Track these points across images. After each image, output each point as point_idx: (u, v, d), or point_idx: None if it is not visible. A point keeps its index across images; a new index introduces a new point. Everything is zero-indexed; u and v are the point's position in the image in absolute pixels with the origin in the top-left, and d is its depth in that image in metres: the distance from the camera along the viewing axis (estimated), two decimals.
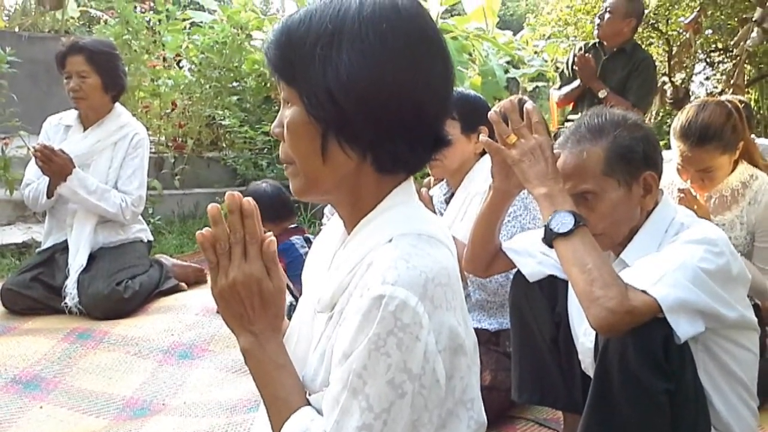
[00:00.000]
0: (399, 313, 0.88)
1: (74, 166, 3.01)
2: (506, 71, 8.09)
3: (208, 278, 3.42)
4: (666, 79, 6.82)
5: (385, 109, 0.94)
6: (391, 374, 0.88)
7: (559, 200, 1.48)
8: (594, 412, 1.40)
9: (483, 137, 1.61)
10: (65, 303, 2.97)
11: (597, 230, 1.50)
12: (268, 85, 5.22)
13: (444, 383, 0.93)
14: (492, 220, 1.75)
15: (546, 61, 8.76)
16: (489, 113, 1.58)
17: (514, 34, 10.14)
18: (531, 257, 1.74)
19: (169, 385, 2.44)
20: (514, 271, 1.82)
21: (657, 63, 7.22)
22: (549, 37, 7.85)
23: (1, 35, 5.70)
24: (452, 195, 2.36)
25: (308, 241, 2.91)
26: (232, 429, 2.04)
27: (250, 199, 1.01)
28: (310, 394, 1.01)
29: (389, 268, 0.91)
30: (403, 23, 0.95)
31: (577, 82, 4.15)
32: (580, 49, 4.27)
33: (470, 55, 7.88)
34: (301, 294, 2.69)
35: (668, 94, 6.76)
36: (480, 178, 2.23)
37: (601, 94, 3.97)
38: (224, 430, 2.04)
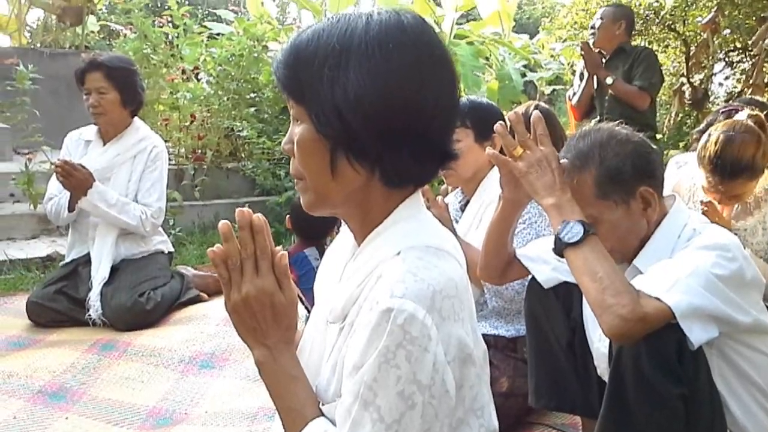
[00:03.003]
0: (407, 326, 0.90)
1: (94, 180, 3.06)
2: (523, 75, 8.09)
3: None
4: (684, 80, 6.77)
5: (392, 125, 0.96)
6: (401, 386, 0.90)
7: (567, 210, 1.49)
8: (609, 417, 1.41)
9: (489, 150, 1.63)
10: (89, 315, 3.02)
11: (605, 248, 1.50)
12: None
13: (453, 393, 0.94)
14: (504, 230, 1.76)
15: (563, 64, 8.74)
16: (495, 125, 1.59)
17: (531, 38, 10.14)
18: (545, 264, 1.75)
19: (191, 395, 2.47)
20: (529, 277, 1.83)
21: (675, 64, 7.21)
22: (565, 40, 7.83)
23: (24, 52, 5.81)
24: (467, 203, 2.37)
25: (323, 253, 2.93)
26: None
27: (259, 215, 1.03)
28: (323, 404, 1.03)
29: (397, 281, 0.93)
30: (409, 41, 0.97)
31: (586, 78, 4.22)
32: (585, 42, 4.32)
33: (487, 59, 7.89)
34: (313, 306, 2.70)
35: (687, 95, 6.72)
36: (494, 186, 2.23)
37: (608, 80, 4.04)
38: None
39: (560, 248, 1.47)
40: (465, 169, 2.28)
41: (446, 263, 0.99)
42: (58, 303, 3.06)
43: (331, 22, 0.98)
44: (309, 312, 2.74)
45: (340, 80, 0.94)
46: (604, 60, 4.20)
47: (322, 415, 1.02)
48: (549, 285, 1.76)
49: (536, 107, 2.86)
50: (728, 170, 2.19)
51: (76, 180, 3.03)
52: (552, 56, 9.02)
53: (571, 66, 8.02)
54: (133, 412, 2.35)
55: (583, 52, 4.17)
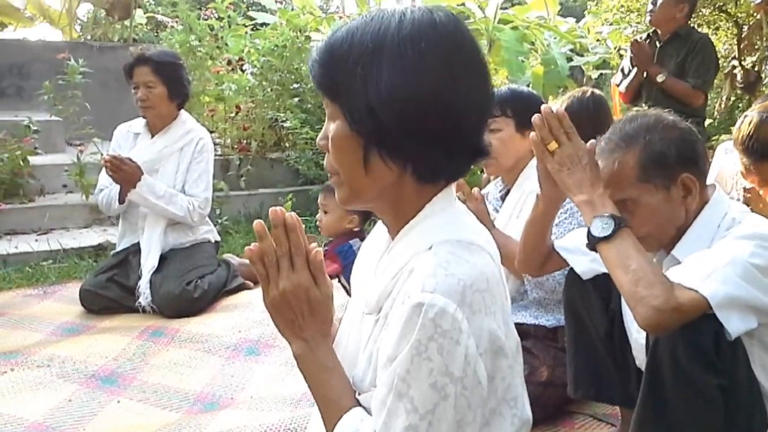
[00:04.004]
0: (438, 320, 0.92)
1: (142, 173, 3.15)
2: (569, 60, 7.96)
3: None
4: (736, 63, 6.59)
5: (424, 123, 0.98)
6: (433, 378, 0.92)
7: (599, 205, 1.49)
8: (646, 408, 1.41)
9: (532, 134, 1.62)
10: (139, 302, 3.12)
11: (641, 234, 1.50)
12: None
13: (486, 384, 0.96)
14: (543, 225, 1.76)
15: (610, 48, 8.58)
16: (533, 117, 1.59)
17: (577, 22, 9.96)
18: (584, 255, 1.75)
19: (237, 380, 2.54)
20: (569, 268, 1.83)
21: (726, 46, 7.01)
22: (612, 24, 7.67)
23: (75, 46, 5.98)
24: (507, 192, 2.36)
25: None
26: (296, 422, 2.12)
27: (292, 213, 1.07)
28: (359, 394, 1.06)
29: (428, 276, 0.95)
30: (441, 39, 0.99)
31: (635, 71, 4.10)
32: (636, 41, 4.20)
33: (532, 44, 7.79)
34: None
35: (738, 78, 6.53)
36: (535, 175, 2.23)
37: (660, 78, 3.90)
38: (289, 423, 2.12)
39: (593, 243, 1.48)
40: (506, 159, 2.27)
41: (478, 257, 1.00)
42: (110, 291, 3.17)
43: (365, 21, 1.00)
44: None
45: (373, 78, 0.96)
46: (658, 44, 4.07)
47: (359, 404, 1.05)
48: (587, 276, 1.76)
49: (591, 94, 2.83)
50: (759, 151, 2.14)
51: (125, 174, 3.12)
52: (598, 40, 8.85)
53: (618, 50, 7.86)
54: (181, 397, 2.43)
55: (632, 50, 4.04)
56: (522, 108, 2.23)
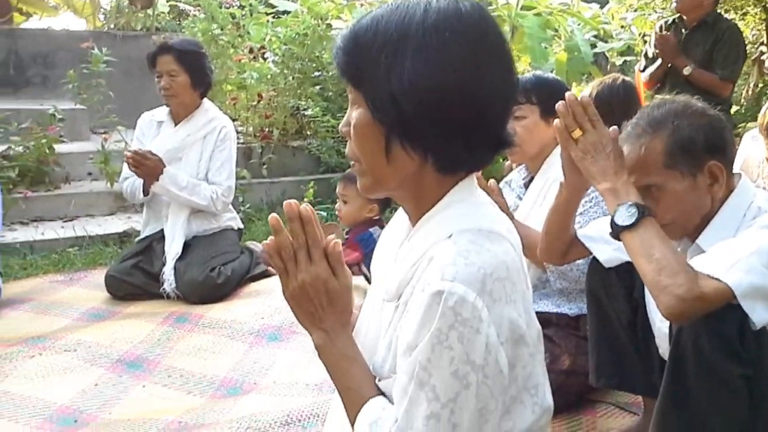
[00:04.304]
0: (458, 308, 0.92)
1: (164, 166, 3.17)
2: (593, 46, 7.87)
3: None
4: (764, 48, 6.48)
5: (446, 114, 0.98)
6: (454, 366, 0.93)
7: (622, 193, 1.48)
8: (668, 398, 1.40)
9: (556, 121, 1.61)
10: (163, 289, 3.16)
11: (665, 221, 1.48)
12: None
13: (507, 372, 0.97)
14: (567, 213, 1.75)
15: (634, 35, 8.47)
16: (557, 104, 1.58)
17: (601, 8, 9.83)
18: (606, 243, 1.73)
19: (260, 366, 2.57)
20: (591, 256, 1.82)
21: (754, 31, 6.89)
22: (636, 10, 7.57)
23: (98, 35, 6.03)
24: (531, 179, 2.35)
25: None
26: (318, 408, 2.14)
27: (307, 205, 1.07)
28: (379, 380, 1.07)
29: (448, 264, 0.95)
30: (466, 29, 0.98)
31: (659, 61, 4.03)
32: (660, 27, 4.14)
33: (555, 31, 7.71)
34: None
35: (766, 64, 6.43)
36: (559, 164, 2.21)
37: (686, 71, 3.83)
38: (311, 408, 2.15)
39: (616, 232, 1.47)
40: (530, 146, 2.24)
41: (498, 246, 1.00)
42: (135, 277, 3.21)
43: (391, 9, 1.00)
44: None
45: (397, 67, 0.97)
46: (684, 30, 4.00)
47: (380, 393, 1.06)
48: (610, 265, 1.75)
49: (622, 81, 2.80)
50: None
51: (147, 168, 3.15)
52: (623, 26, 8.74)
53: (643, 36, 7.76)
54: (205, 382, 2.46)
55: (657, 43, 3.96)
56: (547, 95, 2.21)
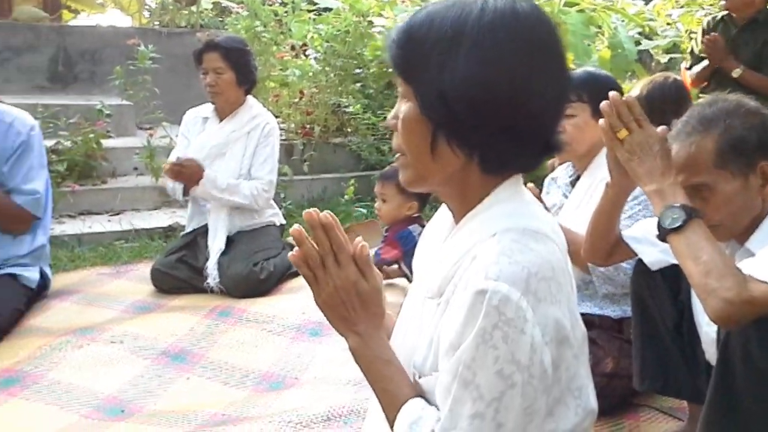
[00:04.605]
0: (502, 308, 0.92)
1: (203, 171, 3.21)
2: (637, 43, 7.74)
3: None
4: None
5: (496, 115, 0.97)
6: (499, 365, 0.92)
7: (669, 195, 1.45)
8: (716, 404, 1.38)
9: (601, 121, 1.58)
10: (207, 283, 3.20)
11: (713, 222, 1.46)
12: (390, 70, 5.30)
13: (551, 373, 0.96)
14: (612, 214, 1.73)
15: (681, 32, 8.31)
16: (601, 104, 1.55)
17: (646, 4, 9.67)
18: (652, 245, 1.71)
19: (302, 361, 2.60)
20: (636, 258, 1.80)
21: None
22: (683, 6, 7.43)
23: (144, 32, 6.14)
24: (578, 178, 2.31)
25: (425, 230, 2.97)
26: (359, 404, 2.16)
27: (327, 212, 1.07)
28: (420, 377, 1.07)
29: (492, 263, 0.95)
30: (522, 31, 0.98)
31: (706, 62, 3.93)
32: (708, 24, 4.04)
33: (598, 27, 7.61)
34: None
35: None
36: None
37: (735, 73, 3.71)
38: (351, 404, 2.16)
39: (663, 234, 1.45)
40: (579, 145, 2.20)
41: (543, 246, 0.99)
42: (179, 271, 3.27)
43: (447, 6, 1.00)
44: None
45: (449, 65, 0.96)
46: (733, 28, 3.90)
47: (417, 394, 1.06)
48: (656, 267, 1.73)
49: (674, 80, 2.75)
50: None
51: (186, 175, 3.21)
52: (669, 23, 8.58)
53: (689, 33, 7.61)
54: (248, 375, 2.50)
55: (706, 46, 3.86)
56: (599, 93, 2.13)
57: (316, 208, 1.09)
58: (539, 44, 1.00)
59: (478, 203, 1.04)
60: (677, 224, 1.42)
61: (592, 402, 1.07)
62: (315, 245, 1.07)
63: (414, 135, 1.02)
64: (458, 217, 1.08)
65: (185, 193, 3.32)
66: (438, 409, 1.00)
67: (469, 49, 0.96)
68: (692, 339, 1.70)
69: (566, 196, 2.31)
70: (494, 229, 1.00)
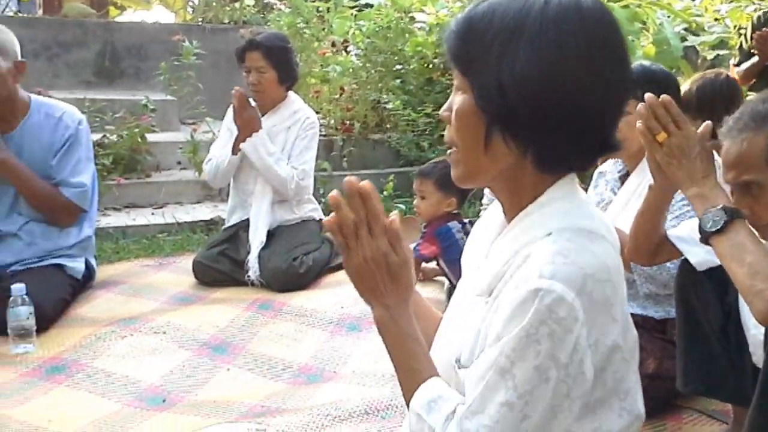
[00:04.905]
0: (554, 307, 0.91)
1: (261, 127, 3.26)
2: (683, 39, 7.59)
3: None
4: None
5: (553, 110, 0.96)
6: (539, 360, 0.92)
7: (710, 198, 1.43)
8: (762, 408, 1.35)
9: (638, 124, 1.51)
10: (248, 276, 3.24)
11: (763, 221, 1.43)
12: (430, 66, 5.30)
13: (590, 376, 0.95)
14: (656, 215, 1.70)
15: (729, 27, 8.12)
16: (638, 107, 1.50)
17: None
18: (699, 246, 1.67)
19: (340, 355, 2.62)
20: (681, 258, 1.76)
21: None
22: (732, 1, 7.26)
23: (188, 28, 6.22)
24: (627, 174, 2.26)
25: (464, 227, 2.96)
26: (396, 399, 2.16)
27: (366, 182, 1.05)
28: (461, 369, 1.05)
29: (547, 262, 0.93)
30: (585, 27, 0.96)
31: (756, 58, 3.84)
32: (758, 19, 3.94)
33: (643, 23, 7.48)
34: (455, 277, 2.71)
35: None
36: None
37: None
38: (389, 399, 2.17)
39: (705, 237, 1.42)
40: (631, 144, 2.07)
41: (599, 246, 0.98)
42: (221, 264, 3.31)
43: None
44: (452, 284, 2.80)
45: (509, 57, 0.95)
46: None
47: (438, 376, 1.05)
48: (703, 267, 1.68)
49: (726, 76, 2.68)
50: None
51: (248, 115, 3.26)
52: (717, 19, 8.39)
53: (738, 29, 7.44)
54: (287, 368, 2.52)
55: (757, 42, 3.78)
56: (654, 90, 2.09)
57: (356, 177, 1.07)
58: (602, 41, 0.98)
59: (531, 202, 1.02)
60: (718, 226, 1.39)
61: (639, 407, 1.05)
62: (350, 213, 1.06)
63: (468, 128, 1.01)
64: (510, 215, 1.06)
65: (234, 150, 3.33)
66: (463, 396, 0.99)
67: (530, 43, 0.94)
68: (739, 341, 1.66)
69: (614, 192, 2.26)
70: (549, 229, 0.98)
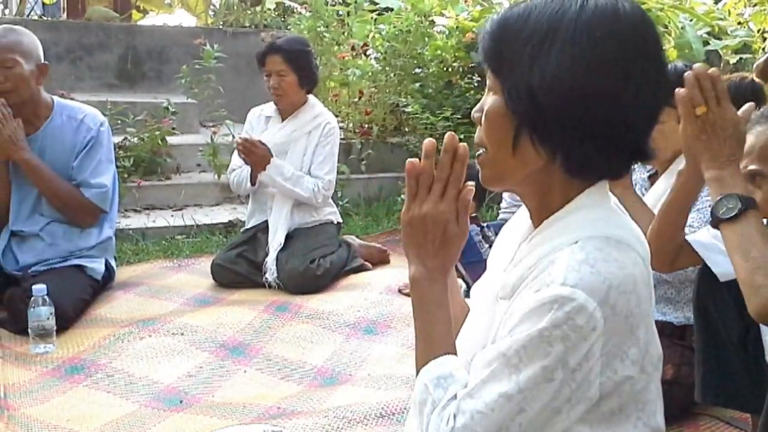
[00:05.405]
0: (574, 315, 0.90)
1: (272, 156, 3.29)
2: (706, 43, 7.52)
3: (391, 259, 3.61)
4: None
5: (583, 116, 0.94)
6: (547, 361, 0.91)
7: (728, 183, 1.38)
8: None
9: (681, 91, 1.43)
10: (266, 278, 3.26)
11: (764, 213, 1.40)
12: (449, 70, 5.29)
13: (595, 391, 0.94)
14: (684, 207, 1.65)
15: (752, 31, 8.03)
16: (685, 74, 1.44)
17: (716, 3, 9.38)
18: (722, 255, 1.59)
19: (355, 358, 2.62)
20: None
21: None
22: (755, 5, 7.17)
23: (209, 32, 6.27)
24: (656, 173, 2.24)
25: (482, 230, 2.96)
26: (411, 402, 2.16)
27: (465, 144, 1.04)
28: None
29: (572, 270, 0.92)
30: (621, 32, 0.95)
31: None
32: None
33: (665, 27, 7.42)
34: (473, 280, 2.70)
35: None
36: None
37: None
38: (405, 403, 2.16)
39: (715, 222, 1.39)
40: (664, 152, 2.07)
41: (626, 257, 0.96)
42: (239, 266, 3.34)
43: (546, 0, 0.98)
44: (467, 286, 2.80)
45: (541, 61, 0.94)
46: None
47: (455, 355, 1.05)
48: (725, 279, 1.61)
49: (751, 80, 2.64)
50: None
51: (257, 156, 3.28)
52: (740, 23, 8.29)
53: (762, 33, 7.35)
54: (303, 370, 2.53)
55: None
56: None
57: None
58: (637, 47, 0.96)
59: (560, 208, 1.01)
60: (731, 214, 1.36)
61: (658, 421, 1.03)
62: (434, 167, 1.05)
63: (497, 129, 1.00)
64: (537, 220, 1.05)
65: (252, 181, 3.37)
66: None
67: (563, 46, 0.93)
68: (757, 351, 1.63)
69: (643, 193, 2.23)
70: (577, 236, 0.97)
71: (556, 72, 0.93)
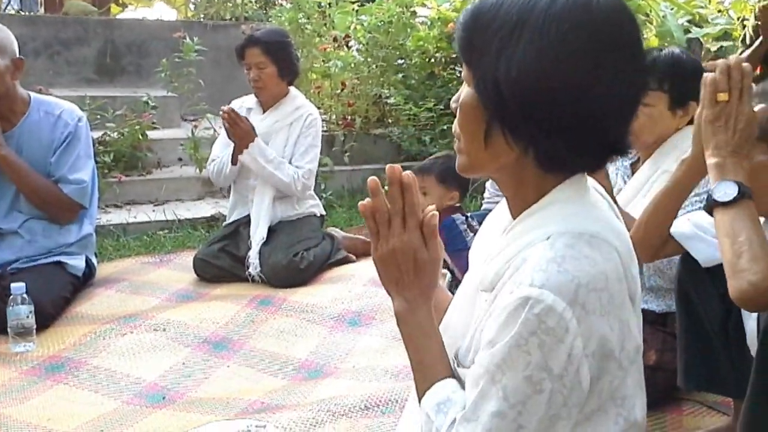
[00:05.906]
0: (544, 317, 0.89)
1: (256, 136, 3.26)
2: (687, 31, 7.55)
3: None
4: None
5: (550, 111, 0.92)
6: (529, 371, 0.90)
7: (729, 171, 1.40)
8: (756, 396, 1.34)
9: (710, 75, 1.44)
10: (249, 272, 3.24)
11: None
12: (432, 61, 5.28)
13: (587, 386, 0.93)
14: (680, 197, 1.65)
15: (732, 19, 8.07)
16: (719, 62, 1.46)
17: None
18: (703, 242, 1.64)
19: (340, 350, 2.61)
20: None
21: None
22: None
23: (189, 25, 6.22)
24: (637, 160, 2.21)
25: (467, 220, 2.95)
26: (396, 394, 2.16)
27: (409, 172, 1.04)
28: (458, 366, 1.05)
29: (540, 270, 0.91)
30: (592, 24, 0.92)
31: (759, 40, 3.81)
32: (764, 5, 3.90)
33: (646, 15, 7.44)
34: (459, 269, 2.68)
35: None
36: (673, 155, 2.00)
37: None
38: (390, 394, 2.16)
39: (710, 206, 1.40)
40: (649, 136, 2.06)
41: (599, 253, 0.94)
42: (221, 260, 3.31)
43: None
44: (453, 276, 2.79)
45: (508, 52, 0.92)
46: None
47: (452, 375, 1.04)
48: (708, 264, 1.63)
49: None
50: None
51: (241, 130, 3.24)
52: (720, 11, 8.33)
53: (742, 21, 7.39)
54: (287, 364, 2.52)
55: (760, 17, 3.73)
56: (681, 82, 2.01)
57: (399, 165, 1.05)
58: (611, 36, 0.93)
59: (535, 201, 0.99)
60: (727, 199, 1.37)
61: (638, 414, 1.01)
62: (387, 202, 1.05)
63: (470, 120, 0.99)
64: (514, 211, 1.04)
65: (233, 161, 3.33)
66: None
67: (531, 38, 0.91)
68: (738, 336, 1.64)
69: (625, 180, 2.21)
70: (549, 232, 0.95)
71: (521, 65, 0.91)
